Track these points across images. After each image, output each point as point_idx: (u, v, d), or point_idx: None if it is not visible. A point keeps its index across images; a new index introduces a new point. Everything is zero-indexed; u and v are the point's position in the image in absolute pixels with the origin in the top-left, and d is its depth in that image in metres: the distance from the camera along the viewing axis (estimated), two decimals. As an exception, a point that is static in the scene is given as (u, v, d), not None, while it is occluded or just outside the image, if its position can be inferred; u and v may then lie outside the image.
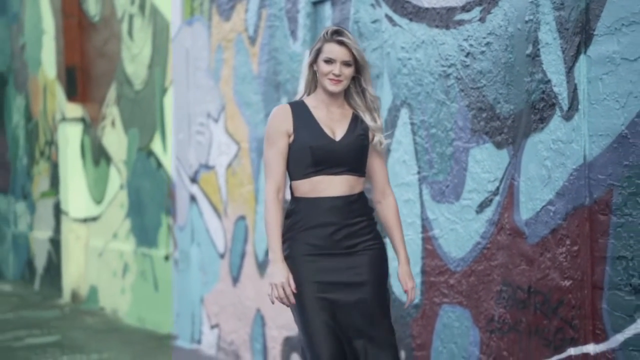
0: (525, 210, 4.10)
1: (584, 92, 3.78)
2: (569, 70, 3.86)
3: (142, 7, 8.18)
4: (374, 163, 3.71)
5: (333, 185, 3.58)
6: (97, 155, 9.31)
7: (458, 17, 4.45)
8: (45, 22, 10.52)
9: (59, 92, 9.84)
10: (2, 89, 12.55)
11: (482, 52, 4.32)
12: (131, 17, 8.42)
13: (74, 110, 9.66)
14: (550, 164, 3.96)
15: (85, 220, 9.61)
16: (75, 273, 9.62)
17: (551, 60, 3.94)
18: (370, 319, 3.59)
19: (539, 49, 4.00)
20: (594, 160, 3.75)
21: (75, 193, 9.65)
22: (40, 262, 10.90)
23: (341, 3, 5.34)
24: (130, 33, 8.46)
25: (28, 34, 11.33)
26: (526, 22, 4.07)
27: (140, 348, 7.08)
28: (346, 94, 3.67)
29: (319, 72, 3.61)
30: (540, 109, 4.00)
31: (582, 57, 3.78)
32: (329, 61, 3.57)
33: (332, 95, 3.63)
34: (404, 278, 3.67)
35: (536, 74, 4.02)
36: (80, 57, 9.62)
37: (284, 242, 3.61)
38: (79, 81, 9.61)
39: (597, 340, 3.75)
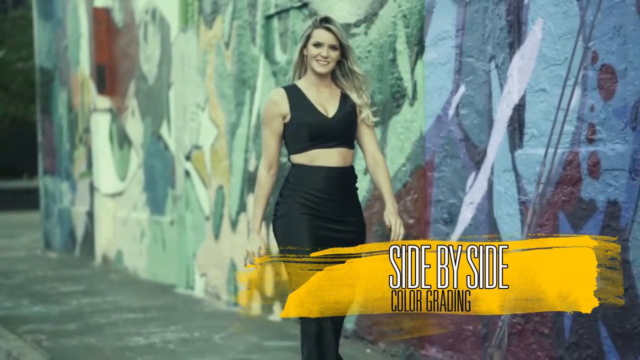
0: (390, 171, 5.66)
1: (420, 86, 5.35)
2: (412, 71, 5.42)
3: (153, 16, 9.86)
4: (365, 134, 4.06)
5: (329, 157, 3.92)
6: (121, 140, 11.04)
7: (352, 30, 6.03)
8: (83, 27, 12.20)
9: (92, 87, 11.59)
10: (50, 84, 14.29)
11: (366, 57, 5.89)
12: (146, 24, 10.10)
13: (104, 102, 11.38)
14: (403, 137, 5.53)
15: (113, 195, 11.35)
16: (105, 240, 11.38)
17: (403, 64, 5.51)
18: None
19: (396, 55, 5.57)
20: (426, 134, 5.32)
21: (105, 172, 11.40)
22: (79, 233, 12.65)
23: (284, 18, 6.96)
24: (145, 37, 10.14)
25: (70, 37, 12.97)
26: (389, 35, 5.63)
27: (146, 294, 8.79)
28: (333, 76, 4.01)
29: (309, 55, 3.93)
30: (397, 98, 5.57)
31: (419, 61, 5.35)
32: (317, 45, 3.91)
33: (320, 76, 3.95)
34: (388, 216, 3.93)
35: (395, 73, 5.58)
36: (109, 57, 11.32)
37: (282, 201, 3.94)
38: (107, 77, 11.31)
39: (427, 260, 5.31)
